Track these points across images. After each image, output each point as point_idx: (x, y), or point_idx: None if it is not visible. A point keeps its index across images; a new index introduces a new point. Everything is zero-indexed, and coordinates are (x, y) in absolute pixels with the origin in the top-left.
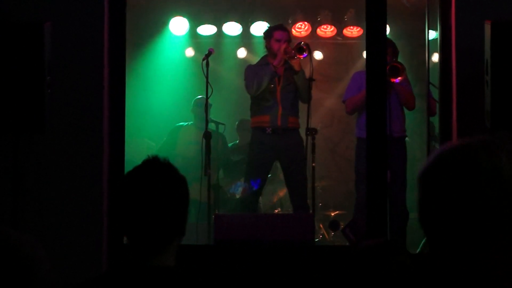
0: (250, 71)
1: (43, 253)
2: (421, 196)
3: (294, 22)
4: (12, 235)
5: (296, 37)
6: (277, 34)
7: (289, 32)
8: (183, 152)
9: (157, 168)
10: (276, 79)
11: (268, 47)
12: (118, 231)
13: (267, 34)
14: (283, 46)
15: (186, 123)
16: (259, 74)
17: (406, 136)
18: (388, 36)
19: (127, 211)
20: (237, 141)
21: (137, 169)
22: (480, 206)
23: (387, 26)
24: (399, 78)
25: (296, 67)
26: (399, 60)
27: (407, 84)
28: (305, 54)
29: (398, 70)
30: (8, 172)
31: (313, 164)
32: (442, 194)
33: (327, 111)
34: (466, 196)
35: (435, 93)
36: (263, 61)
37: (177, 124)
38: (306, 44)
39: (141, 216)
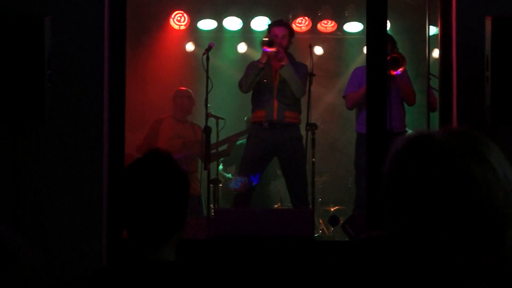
0: (248, 68)
1: (24, 242)
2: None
3: (295, 17)
4: None
5: (296, 32)
6: (275, 30)
7: (288, 27)
8: (165, 146)
9: (157, 161)
10: (273, 73)
11: None
12: (119, 224)
13: (267, 30)
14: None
15: (164, 116)
16: (249, 70)
17: (406, 131)
18: (388, 32)
19: (128, 204)
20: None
21: (138, 162)
22: (444, 197)
23: (388, 21)
24: (400, 69)
25: (283, 62)
26: None
27: (408, 79)
28: (269, 49)
29: (398, 61)
30: (7, 164)
31: (313, 160)
32: (409, 181)
33: (327, 106)
34: (431, 184)
35: (436, 87)
36: None
37: (159, 118)
38: (269, 39)
39: (142, 209)
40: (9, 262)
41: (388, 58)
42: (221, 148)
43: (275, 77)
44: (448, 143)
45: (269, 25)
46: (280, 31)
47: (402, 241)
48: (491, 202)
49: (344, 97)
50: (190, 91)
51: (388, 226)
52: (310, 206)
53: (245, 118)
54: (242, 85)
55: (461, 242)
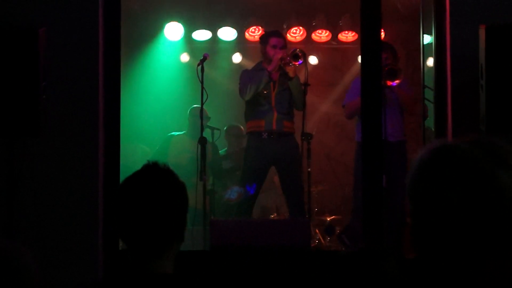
0: (246, 75)
1: (32, 261)
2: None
3: (289, 27)
4: (1, 243)
5: (291, 42)
6: (273, 41)
7: (285, 39)
8: (176, 161)
9: (156, 173)
10: (271, 84)
11: (263, 52)
12: (117, 237)
13: (263, 39)
14: (279, 53)
15: (178, 132)
16: (254, 79)
17: (406, 140)
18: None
19: (126, 216)
20: (226, 148)
21: (137, 174)
22: (476, 211)
23: (382, 30)
24: (396, 81)
25: (291, 74)
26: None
27: (408, 88)
28: (300, 61)
29: (395, 72)
30: (3, 176)
31: (309, 169)
32: (437, 197)
33: (322, 116)
34: (462, 199)
35: (430, 96)
36: (258, 67)
37: (169, 134)
38: (302, 51)
39: (140, 222)
40: (18, 279)
41: (386, 69)
42: (228, 165)
43: (273, 88)
44: (473, 152)
45: (266, 35)
46: (279, 42)
47: (427, 252)
48: None
49: (343, 106)
50: (205, 109)
51: (413, 235)
52: (307, 216)
53: (225, 128)
54: (245, 93)
55: (490, 247)
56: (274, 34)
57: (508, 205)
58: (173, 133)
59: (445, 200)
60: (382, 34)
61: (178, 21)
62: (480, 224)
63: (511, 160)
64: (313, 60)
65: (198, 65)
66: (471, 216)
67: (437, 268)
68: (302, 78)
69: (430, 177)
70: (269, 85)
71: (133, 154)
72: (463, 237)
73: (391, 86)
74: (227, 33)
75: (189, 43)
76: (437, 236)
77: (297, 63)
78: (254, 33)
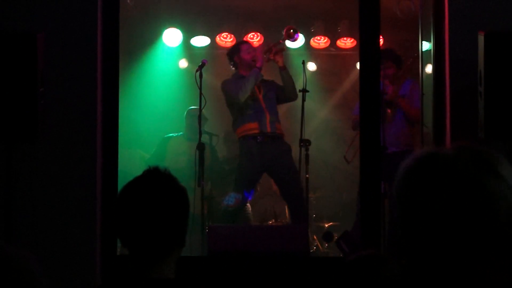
0: (230, 82)
1: (39, 268)
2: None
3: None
4: (7, 249)
5: (289, 48)
6: (245, 47)
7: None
8: (173, 164)
9: (158, 178)
10: (256, 87)
11: (238, 61)
12: (115, 241)
13: (234, 51)
14: (259, 47)
15: (175, 134)
16: (241, 81)
17: (412, 150)
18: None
19: (128, 222)
20: (226, 154)
21: (138, 179)
22: (462, 214)
23: (381, 37)
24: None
25: (280, 63)
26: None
27: (414, 98)
28: (297, 35)
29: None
30: (1, 181)
31: (307, 175)
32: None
33: (320, 122)
34: (448, 203)
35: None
36: (237, 76)
37: (166, 136)
38: (293, 28)
39: (142, 227)
40: (25, 286)
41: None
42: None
43: (259, 91)
44: (460, 159)
45: (236, 45)
46: (250, 47)
47: (415, 261)
48: (508, 215)
49: (353, 115)
50: (202, 110)
51: (400, 246)
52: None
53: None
54: (241, 91)
55: (478, 256)
56: (242, 42)
57: (496, 211)
58: (169, 134)
59: (430, 208)
60: (381, 41)
61: (177, 27)
62: (468, 231)
63: (499, 166)
64: (311, 66)
65: (197, 71)
66: (456, 224)
67: (426, 274)
68: (300, 85)
69: (415, 184)
70: (254, 89)
71: (131, 159)
72: (451, 244)
73: (398, 101)
74: (226, 39)
75: (187, 49)
76: (424, 243)
77: (296, 37)
78: (253, 39)
